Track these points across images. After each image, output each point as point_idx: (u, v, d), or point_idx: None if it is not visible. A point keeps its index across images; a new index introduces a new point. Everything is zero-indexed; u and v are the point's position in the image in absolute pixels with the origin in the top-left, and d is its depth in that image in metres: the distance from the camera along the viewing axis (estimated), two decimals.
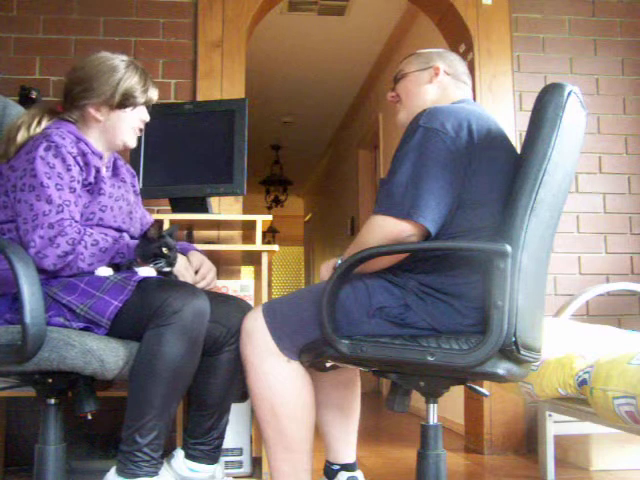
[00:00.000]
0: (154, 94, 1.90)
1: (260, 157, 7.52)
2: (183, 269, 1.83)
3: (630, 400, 1.78)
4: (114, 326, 1.61)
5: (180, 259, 1.83)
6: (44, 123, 1.80)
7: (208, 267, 1.92)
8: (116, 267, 1.75)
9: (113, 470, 1.61)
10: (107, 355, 1.56)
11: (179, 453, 1.89)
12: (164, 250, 1.74)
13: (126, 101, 1.84)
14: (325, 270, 1.79)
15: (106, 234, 1.79)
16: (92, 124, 1.85)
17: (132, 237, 1.95)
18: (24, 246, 1.64)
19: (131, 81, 1.83)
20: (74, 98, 1.83)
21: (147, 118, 1.91)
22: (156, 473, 1.61)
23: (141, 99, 1.87)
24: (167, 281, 1.72)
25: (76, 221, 1.73)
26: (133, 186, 2.02)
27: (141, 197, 2.09)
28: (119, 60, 1.85)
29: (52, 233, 1.66)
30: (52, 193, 1.68)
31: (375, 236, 1.54)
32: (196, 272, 1.90)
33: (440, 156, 1.53)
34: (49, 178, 1.69)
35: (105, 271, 1.72)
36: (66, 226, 1.68)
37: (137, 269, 1.73)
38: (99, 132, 1.86)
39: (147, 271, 1.73)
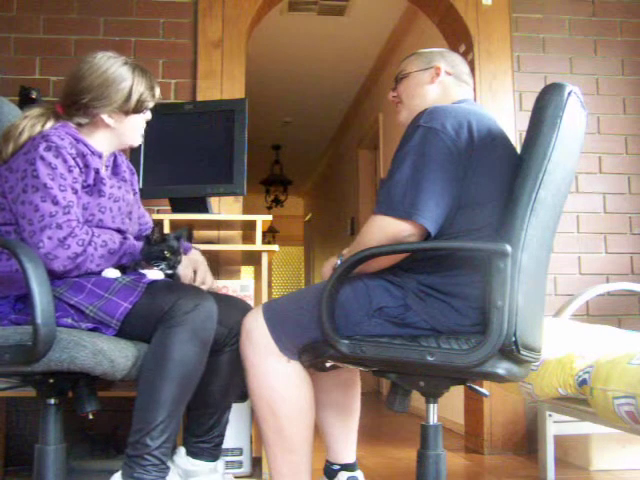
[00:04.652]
0: (158, 92, 1.91)
1: (260, 157, 7.51)
2: (185, 272, 1.85)
3: (630, 400, 1.78)
4: (122, 327, 1.61)
5: (185, 261, 1.85)
6: (48, 125, 1.78)
7: (204, 270, 1.93)
8: (122, 268, 1.75)
9: (118, 475, 1.59)
10: (117, 355, 1.55)
11: (180, 450, 1.89)
12: (166, 253, 1.75)
13: (140, 106, 1.84)
14: (326, 269, 1.79)
15: (112, 235, 1.79)
16: (101, 128, 1.84)
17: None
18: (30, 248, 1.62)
19: (141, 87, 1.82)
20: (85, 106, 1.79)
21: (150, 117, 1.92)
22: (164, 479, 1.59)
23: (151, 103, 1.88)
24: (176, 283, 1.73)
25: (81, 222, 1.72)
26: (132, 184, 2.01)
27: (141, 197, 2.09)
28: (119, 65, 1.81)
29: (61, 234, 1.64)
30: (57, 194, 1.66)
31: (375, 236, 1.54)
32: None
33: (440, 156, 1.53)
34: (52, 179, 1.67)
35: (113, 273, 1.71)
36: (74, 227, 1.66)
37: (144, 271, 1.74)
38: (108, 135, 1.85)
39: (155, 274, 1.73)
